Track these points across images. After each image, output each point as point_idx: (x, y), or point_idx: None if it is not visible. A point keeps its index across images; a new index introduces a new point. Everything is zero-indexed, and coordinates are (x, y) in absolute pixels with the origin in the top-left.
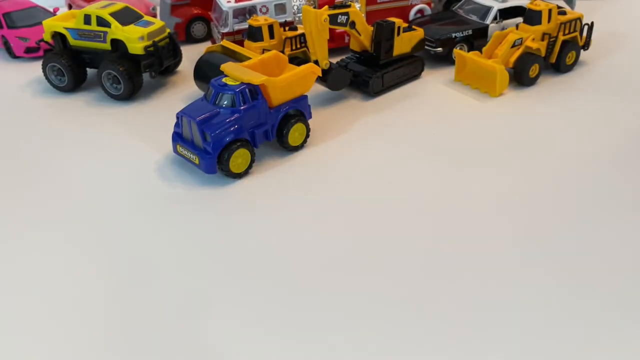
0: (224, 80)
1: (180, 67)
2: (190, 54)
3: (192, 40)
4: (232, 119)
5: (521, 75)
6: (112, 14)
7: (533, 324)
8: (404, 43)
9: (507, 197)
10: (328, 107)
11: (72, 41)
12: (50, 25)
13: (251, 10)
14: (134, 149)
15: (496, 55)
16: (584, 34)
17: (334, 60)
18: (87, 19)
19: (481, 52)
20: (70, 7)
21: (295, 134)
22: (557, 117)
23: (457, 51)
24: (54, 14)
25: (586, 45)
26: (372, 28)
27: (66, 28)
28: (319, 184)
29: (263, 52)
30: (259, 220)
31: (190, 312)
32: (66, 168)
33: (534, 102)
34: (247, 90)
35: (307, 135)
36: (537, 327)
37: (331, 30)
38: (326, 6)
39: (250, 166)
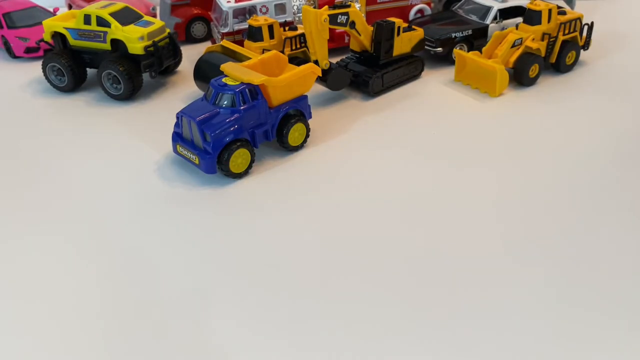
0: (224, 80)
1: (180, 67)
2: (190, 54)
3: (192, 40)
4: (232, 119)
5: (521, 75)
6: (112, 14)
7: (533, 324)
8: (404, 43)
9: (507, 197)
10: (328, 107)
11: (72, 41)
12: (50, 25)
13: (251, 10)
14: (134, 149)
15: (496, 55)
16: (584, 34)
17: (334, 60)
18: (87, 19)
19: (481, 52)
20: (70, 7)
21: (295, 134)
22: (557, 117)
23: (457, 51)
24: (54, 14)
25: (586, 45)
26: (372, 28)
27: (66, 28)
28: (319, 184)
29: (263, 52)
30: (258, 221)
31: (190, 312)
32: (66, 168)
33: (533, 102)
34: (247, 90)
35: (307, 135)
36: (537, 327)
37: (331, 30)
38: (326, 6)
39: (250, 166)
